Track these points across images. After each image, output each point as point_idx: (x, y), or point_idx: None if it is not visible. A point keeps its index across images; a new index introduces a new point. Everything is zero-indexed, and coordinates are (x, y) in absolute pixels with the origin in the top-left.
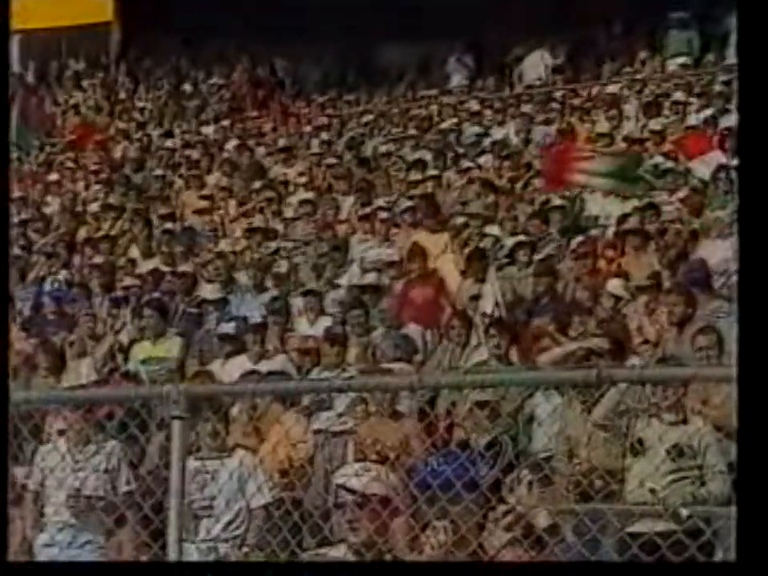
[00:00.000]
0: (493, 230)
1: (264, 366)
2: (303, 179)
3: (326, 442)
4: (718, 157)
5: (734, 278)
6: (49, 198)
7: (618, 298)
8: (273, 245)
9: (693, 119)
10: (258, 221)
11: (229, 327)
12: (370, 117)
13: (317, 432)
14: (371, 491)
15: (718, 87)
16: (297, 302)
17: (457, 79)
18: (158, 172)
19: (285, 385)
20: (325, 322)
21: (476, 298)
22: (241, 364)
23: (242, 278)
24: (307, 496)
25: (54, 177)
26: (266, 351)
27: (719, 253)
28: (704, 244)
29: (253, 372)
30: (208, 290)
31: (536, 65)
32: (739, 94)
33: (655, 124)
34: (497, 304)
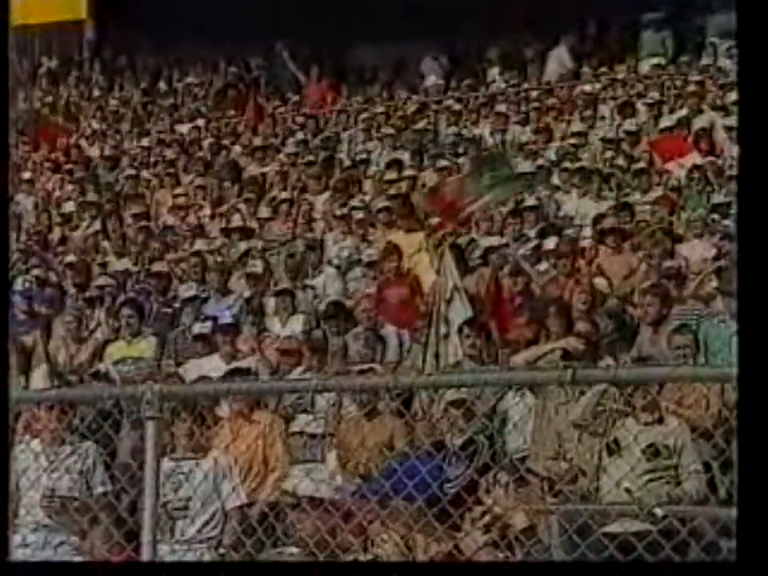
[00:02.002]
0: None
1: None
2: (279, 178)
3: (304, 443)
4: (694, 156)
5: (711, 278)
6: (21, 197)
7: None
8: (245, 244)
9: (666, 120)
10: (233, 220)
11: (204, 327)
12: (346, 117)
13: (293, 434)
14: (318, 495)
15: (691, 88)
16: (270, 302)
17: (432, 79)
18: (133, 171)
19: (260, 385)
20: (297, 322)
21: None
22: (209, 364)
23: (217, 277)
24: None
25: (27, 175)
26: (236, 351)
27: (696, 252)
28: (680, 244)
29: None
30: (183, 290)
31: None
32: (739, 93)
33: (630, 125)
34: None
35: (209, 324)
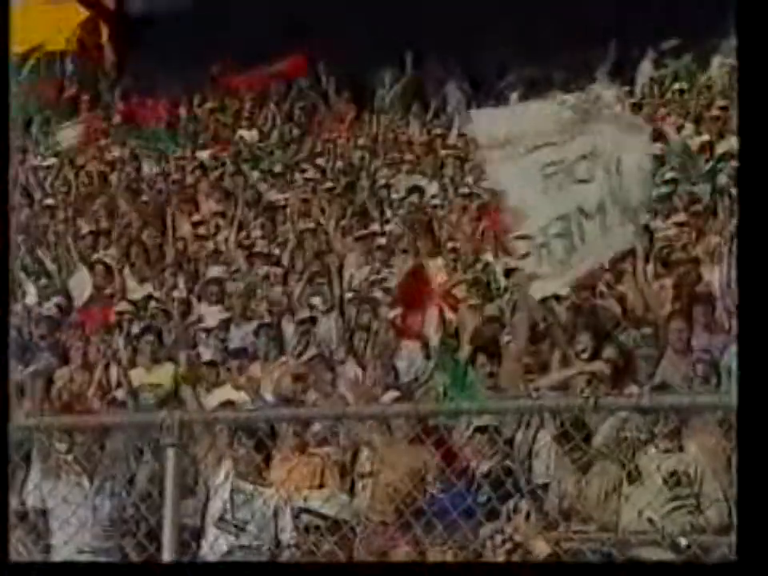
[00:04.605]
0: (486, 256)
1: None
2: (299, 204)
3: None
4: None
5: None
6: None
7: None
8: (265, 270)
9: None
10: (253, 246)
11: (213, 353)
12: (366, 141)
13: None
14: (336, 516)
15: (714, 112)
16: (289, 329)
17: (452, 104)
18: (153, 196)
19: (278, 412)
20: (317, 349)
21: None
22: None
23: (237, 303)
24: None
25: (49, 201)
26: (249, 379)
27: (720, 278)
28: (705, 269)
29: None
30: (205, 316)
31: None
32: (739, 113)
33: (654, 149)
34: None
35: (227, 349)
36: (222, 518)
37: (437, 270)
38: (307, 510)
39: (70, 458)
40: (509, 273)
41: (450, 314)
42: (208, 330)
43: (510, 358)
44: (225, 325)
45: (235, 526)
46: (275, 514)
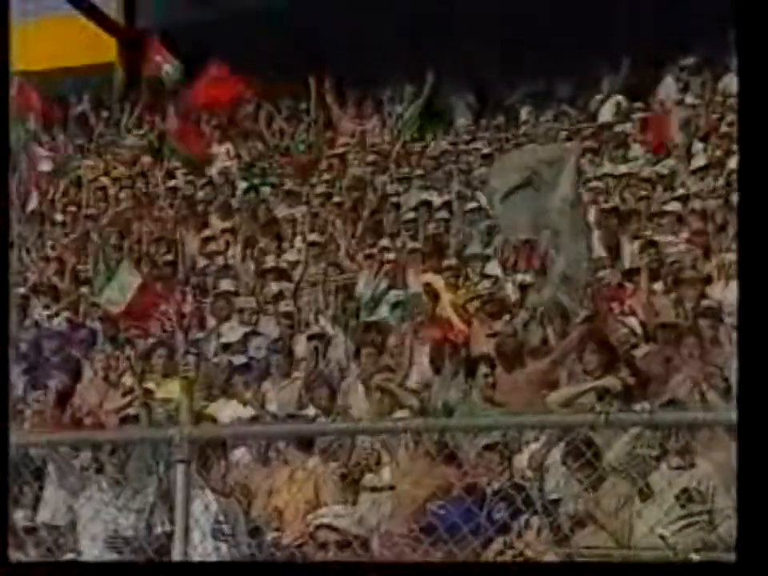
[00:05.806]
0: (494, 270)
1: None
2: (309, 219)
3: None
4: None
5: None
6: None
7: (631, 338)
8: (277, 286)
9: (699, 160)
10: (263, 261)
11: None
12: (375, 157)
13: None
14: (353, 532)
15: (723, 128)
16: (301, 343)
17: (461, 121)
18: (161, 212)
19: (288, 428)
20: (327, 365)
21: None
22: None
23: (248, 318)
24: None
25: (58, 218)
26: (255, 394)
27: (728, 295)
28: (714, 285)
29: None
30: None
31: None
32: (740, 130)
33: (662, 167)
34: None
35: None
36: (219, 530)
37: (448, 285)
38: (328, 526)
39: (83, 472)
40: (522, 288)
41: (462, 328)
42: (225, 346)
43: (521, 374)
44: (243, 339)
45: (233, 537)
46: (256, 530)
